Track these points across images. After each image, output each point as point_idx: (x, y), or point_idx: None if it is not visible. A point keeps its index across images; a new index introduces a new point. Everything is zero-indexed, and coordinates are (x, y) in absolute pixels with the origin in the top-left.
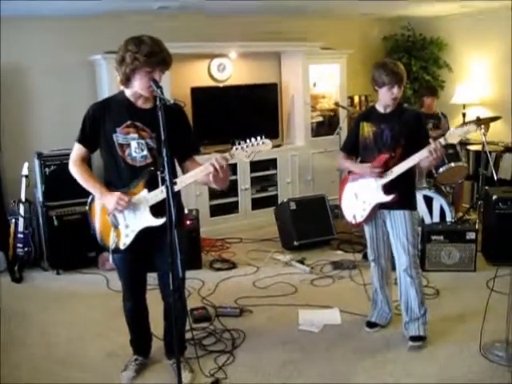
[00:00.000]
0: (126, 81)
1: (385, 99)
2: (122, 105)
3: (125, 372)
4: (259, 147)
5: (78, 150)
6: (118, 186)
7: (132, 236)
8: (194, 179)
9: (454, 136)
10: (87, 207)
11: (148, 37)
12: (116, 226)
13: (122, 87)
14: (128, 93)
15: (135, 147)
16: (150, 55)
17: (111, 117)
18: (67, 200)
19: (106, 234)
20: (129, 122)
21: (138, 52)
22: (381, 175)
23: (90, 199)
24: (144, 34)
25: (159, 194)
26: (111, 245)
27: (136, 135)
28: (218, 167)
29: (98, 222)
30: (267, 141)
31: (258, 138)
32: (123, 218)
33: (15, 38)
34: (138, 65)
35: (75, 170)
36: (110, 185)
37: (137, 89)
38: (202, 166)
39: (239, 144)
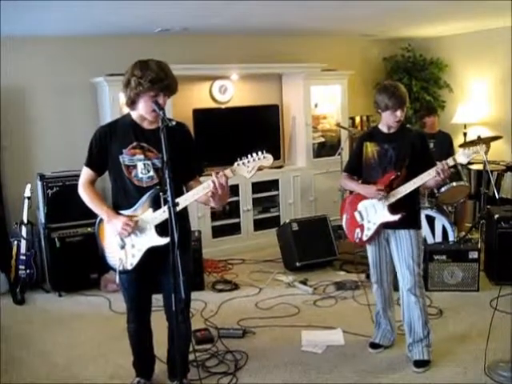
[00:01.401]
0: (132, 103)
1: (388, 122)
2: (128, 126)
3: None
4: (260, 162)
5: (85, 173)
6: (125, 207)
7: (139, 256)
8: (197, 197)
9: (463, 157)
10: (95, 228)
11: (155, 62)
12: (123, 247)
13: (128, 109)
14: (134, 115)
15: (142, 168)
16: (155, 81)
17: (117, 139)
18: (69, 222)
19: (113, 254)
20: (135, 144)
21: (142, 77)
22: (386, 197)
23: (98, 220)
24: (148, 57)
25: (162, 213)
26: (118, 265)
27: (142, 156)
28: (217, 184)
29: (105, 243)
30: (268, 155)
31: (259, 152)
32: (129, 239)
33: (17, 59)
34: (142, 90)
35: (84, 193)
36: (117, 206)
37: (141, 112)
38: (205, 183)
39: (240, 159)
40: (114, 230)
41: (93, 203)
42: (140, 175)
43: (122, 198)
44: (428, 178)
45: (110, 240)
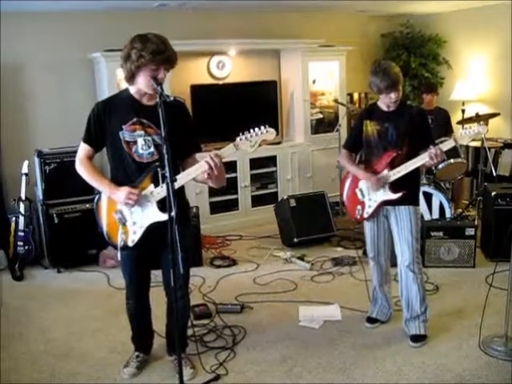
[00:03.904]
0: (131, 78)
1: (385, 102)
2: (128, 102)
3: (126, 368)
4: (263, 136)
5: (83, 149)
6: (125, 183)
7: (140, 232)
8: (192, 177)
9: (464, 138)
10: (94, 205)
11: (154, 35)
12: (123, 223)
13: (126, 84)
14: (132, 90)
15: (142, 144)
16: (156, 53)
17: (117, 114)
18: (67, 198)
19: (113, 231)
20: (135, 119)
21: (143, 49)
22: (383, 185)
23: (96, 197)
24: (145, 31)
25: (164, 189)
26: (119, 242)
27: (142, 132)
28: (212, 165)
29: (105, 220)
30: (271, 129)
31: (262, 127)
32: (130, 215)
33: (14, 35)
34: (143, 62)
35: (82, 168)
36: (116, 183)
37: (141, 86)
38: (198, 164)
39: (243, 134)
40: (118, 200)
41: (93, 178)
42: (140, 151)
43: (122, 174)
44: (421, 162)
45: (110, 217)
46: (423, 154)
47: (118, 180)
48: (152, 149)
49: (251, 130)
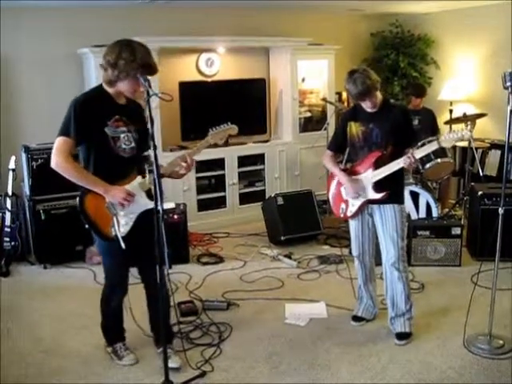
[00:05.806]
0: (113, 82)
1: (365, 106)
2: (107, 100)
3: (125, 358)
4: (229, 131)
5: (66, 144)
6: (108, 177)
7: (131, 222)
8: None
9: (448, 141)
10: (79, 205)
11: (139, 44)
12: (115, 214)
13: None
14: (110, 90)
15: (125, 140)
16: (145, 66)
17: (100, 111)
18: (54, 194)
19: (103, 224)
20: (117, 117)
21: (133, 61)
22: (360, 195)
23: (81, 193)
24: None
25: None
26: (112, 232)
27: (125, 128)
28: (190, 162)
29: (93, 214)
30: (234, 126)
31: (225, 124)
32: (121, 206)
33: (1, 30)
34: (132, 73)
35: (69, 166)
36: (99, 177)
37: (122, 90)
38: (177, 159)
39: (212, 130)
40: (113, 199)
41: (83, 177)
42: (123, 146)
43: (106, 168)
44: (398, 167)
45: (101, 211)
46: (398, 160)
47: (99, 174)
48: (133, 144)
49: (217, 127)
